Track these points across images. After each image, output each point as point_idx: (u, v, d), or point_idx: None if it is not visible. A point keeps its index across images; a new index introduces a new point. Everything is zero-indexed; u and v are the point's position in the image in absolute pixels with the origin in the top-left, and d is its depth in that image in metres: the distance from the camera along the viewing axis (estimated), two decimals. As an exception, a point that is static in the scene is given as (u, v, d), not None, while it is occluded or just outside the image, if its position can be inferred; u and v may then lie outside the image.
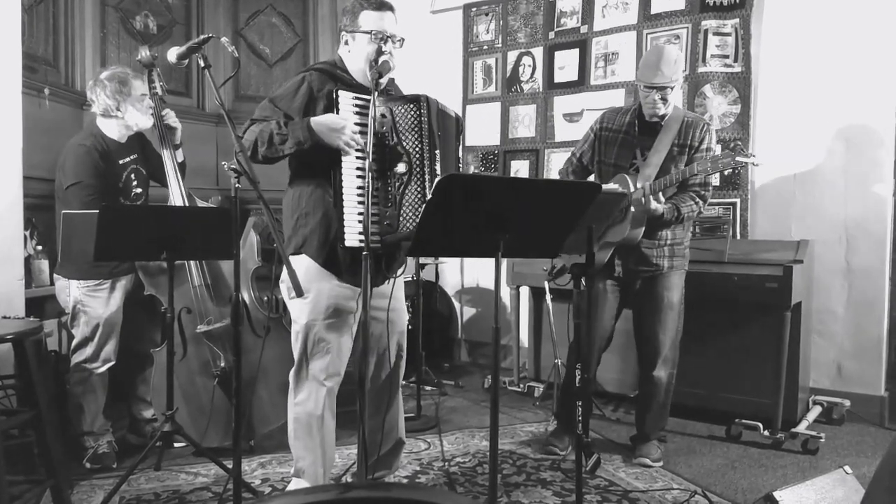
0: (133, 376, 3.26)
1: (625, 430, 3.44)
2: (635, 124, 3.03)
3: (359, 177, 2.22)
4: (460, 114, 4.89)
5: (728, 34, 3.99)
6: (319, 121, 2.21)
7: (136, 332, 3.19)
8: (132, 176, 3.13)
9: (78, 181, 2.94)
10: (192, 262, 3.11)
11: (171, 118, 3.11)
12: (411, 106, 2.25)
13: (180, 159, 3.17)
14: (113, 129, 3.08)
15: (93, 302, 3.00)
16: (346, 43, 2.37)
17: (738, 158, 2.78)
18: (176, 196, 3.09)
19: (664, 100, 2.92)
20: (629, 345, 3.36)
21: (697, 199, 2.98)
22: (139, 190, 3.16)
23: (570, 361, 3.20)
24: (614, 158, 3.06)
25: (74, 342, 3.04)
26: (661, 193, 2.88)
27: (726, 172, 2.87)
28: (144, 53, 3.03)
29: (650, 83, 2.88)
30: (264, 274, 3.43)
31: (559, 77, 4.59)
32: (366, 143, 2.18)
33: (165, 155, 3.10)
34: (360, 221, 2.18)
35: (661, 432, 3.23)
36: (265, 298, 3.37)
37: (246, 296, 3.18)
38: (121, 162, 3.08)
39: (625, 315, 3.19)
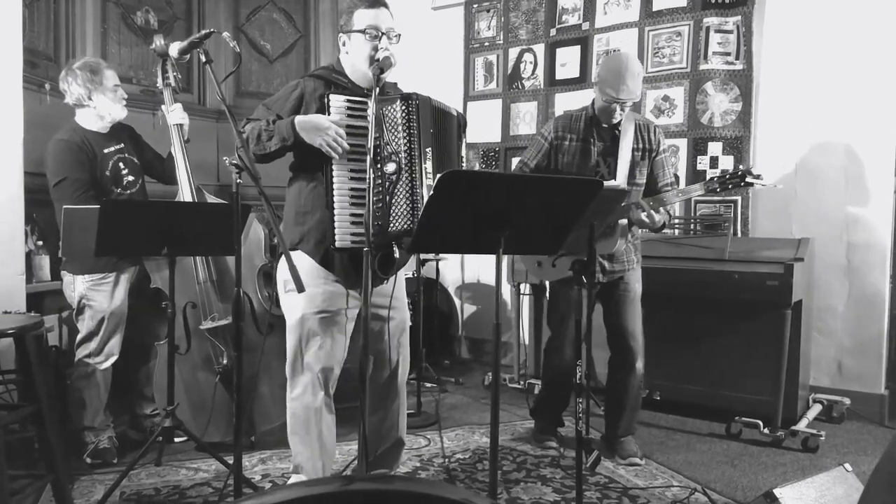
0: (136, 371, 3.26)
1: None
2: (592, 131, 3.01)
3: (352, 178, 2.23)
4: (461, 110, 4.93)
5: (730, 31, 3.98)
6: (304, 119, 2.22)
7: (142, 325, 3.19)
8: (120, 165, 3.08)
9: (62, 178, 2.94)
10: (197, 258, 3.11)
11: (177, 114, 3.08)
12: (400, 105, 2.23)
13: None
14: (90, 121, 3.05)
15: (97, 296, 3.00)
16: (344, 45, 2.38)
17: (748, 179, 2.79)
18: (185, 191, 3.09)
19: (624, 110, 2.93)
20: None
21: None
22: (131, 178, 3.11)
23: (560, 367, 3.19)
24: (575, 168, 3.02)
25: (79, 337, 3.04)
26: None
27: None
28: (159, 43, 2.93)
29: (617, 99, 2.86)
30: (271, 270, 3.43)
31: (560, 74, 4.59)
32: (354, 146, 2.21)
33: (177, 148, 3.08)
34: (352, 223, 2.20)
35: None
36: (269, 294, 3.37)
37: (251, 292, 3.18)
38: (105, 151, 3.04)
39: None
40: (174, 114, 3.08)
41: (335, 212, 2.21)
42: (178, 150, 3.09)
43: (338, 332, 2.38)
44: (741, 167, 2.88)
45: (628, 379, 3.09)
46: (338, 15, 4.90)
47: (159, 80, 3.07)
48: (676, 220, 4.12)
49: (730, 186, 2.85)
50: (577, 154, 3.02)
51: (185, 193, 3.09)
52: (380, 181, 2.21)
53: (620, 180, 2.92)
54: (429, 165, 2.25)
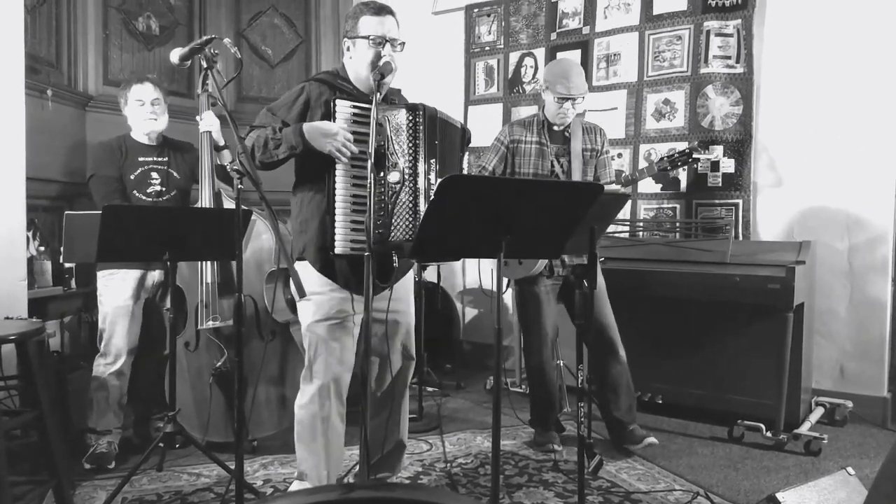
0: (147, 373, 3.25)
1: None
2: (545, 134, 3.18)
3: (354, 185, 2.22)
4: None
5: (730, 35, 3.99)
6: (312, 126, 2.22)
7: (158, 324, 3.20)
8: (152, 174, 3.19)
9: (93, 173, 3.14)
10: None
11: (205, 121, 3.06)
12: (407, 114, 2.23)
13: (227, 160, 3.12)
14: (135, 131, 3.22)
15: (106, 291, 3.07)
16: (348, 49, 2.38)
17: (695, 155, 2.96)
18: (206, 196, 3.12)
19: (574, 109, 3.12)
20: (629, 342, 3.35)
21: None
22: (160, 188, 3.20)
23: (538, 368, 3.23)
24: (532, 168, 3.18)
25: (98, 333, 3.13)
26: None
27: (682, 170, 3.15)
28: (209, 52, 2.82)
29: (568, 95, 3.06)
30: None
31: (561, 78, 4.58)
32: (361, 151, 2.20)
33: (203, 155, 3.11)
34: (353, 230, 2.20)
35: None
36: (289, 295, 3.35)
37: (258, 297, 3.18)
38: (140, 159, 3.17)
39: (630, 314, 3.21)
40: (203, 122, 3.08)
41: (337, 218, 2.20)
42: (205, 157, 3.11)
43: (346, 338, 2.37)
44: (688, 146, 3.01)
45: (614, 367, 3.15)
46: (339, 20, 4.91)
47: (199, 86, 3.08)
48: (677, 224, 4.12)
49: (679, 164, 2.99)
50: (533, 155, 3.18)
51: (205, 199, 3.12)
52: (383, 189, 2.21)
53: (577, 178, 3.10)
54: (433, 177, 2.25)
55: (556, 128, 3.18)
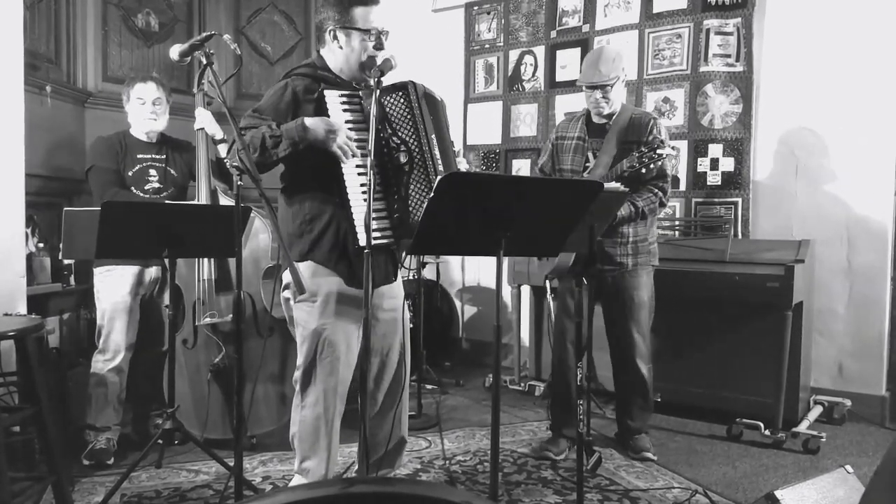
0: (145, 370, 3.26)
1: (625, 428, 3.43)
2: (585, 128, 3.09)
3: (360, 174, 2.18)
4: (462, 112, 4.95)
5: (730, 33, 3.99)
6: (315, 120, 2.15)
7: (156, 322, 3.20)
8: (151, 171, 3.21)
9: (91, 165, 3.16)
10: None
11: (198, 120, 3.03)
12: (400, 94, 2.21)
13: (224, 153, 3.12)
14: (134, 129, 3.23)
15: (103, 287, 3.08)
16: (335, 39, 2.28)
17: (658, 151, 2.79)
18: (202, 193, 3.13)
19: (606, 98, 2.98)
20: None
21: (656, 191, 2.99)
22: (157, 185, 3.22)
23: (555, 365, 3.19)
24: (570, 164, 3.11)
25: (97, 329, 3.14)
26: None
27: (670, 169, 2.98)
28: (207, 52, 2.82)
29: (590, 83, 2.97)
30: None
31: (561, 76, 4.59)
32: (356, 140, 2.17)
33: (199, 152, 3.12)
34: (374, 219, 2.13)
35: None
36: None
37: (254, 294, 3.18)
38: (139, 156, 3.20)
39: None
40: (197, 120, 3.07)
41: (353, 211, 2.15)
42: (201, 154, 3.12)
43: (352, 340, 2.34)
44: (656, 141, 2.88)
45: (627, 379, 3.13)
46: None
47: (195, 85, 3.07)
48: (676, 223, 4.12)
49: (645, 160, 2.81)
50: (572, 151, 3.11)
51: (202, 195, 3.12)
52: (392, 174, 2.19)
53: (601, 172, 2.95)
54: (437, 152, 2.23)
55: (595, 120, 3.07)
